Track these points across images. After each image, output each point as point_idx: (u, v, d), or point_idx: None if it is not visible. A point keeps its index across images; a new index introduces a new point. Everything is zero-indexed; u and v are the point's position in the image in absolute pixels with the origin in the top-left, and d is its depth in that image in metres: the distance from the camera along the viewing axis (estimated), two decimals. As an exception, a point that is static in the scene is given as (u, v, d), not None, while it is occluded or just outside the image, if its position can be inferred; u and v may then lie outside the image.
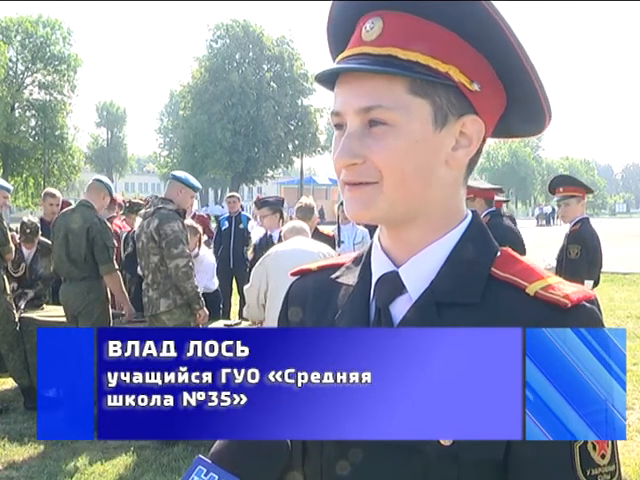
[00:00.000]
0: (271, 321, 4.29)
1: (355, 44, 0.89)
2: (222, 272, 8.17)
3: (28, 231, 6.07)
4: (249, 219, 8.62)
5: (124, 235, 6.47)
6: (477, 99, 0.88)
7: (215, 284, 5.99)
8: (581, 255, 4.90)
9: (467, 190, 0.95)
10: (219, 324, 5.35)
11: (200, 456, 0.90)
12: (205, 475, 0.87)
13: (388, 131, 0.86)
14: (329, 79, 0.91)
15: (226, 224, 8.40)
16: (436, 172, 0.88)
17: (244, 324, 5.33)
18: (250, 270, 5.79)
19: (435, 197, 0.90)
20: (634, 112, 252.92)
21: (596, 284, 5.03)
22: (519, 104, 0.92)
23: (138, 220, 6.25)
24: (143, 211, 4.95)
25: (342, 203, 0.95)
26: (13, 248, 5.72)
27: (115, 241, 5.45)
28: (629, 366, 6.37)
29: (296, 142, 46.89)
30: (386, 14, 0.87)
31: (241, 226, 8.25)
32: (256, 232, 6.46)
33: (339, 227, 6.48)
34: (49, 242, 5.74)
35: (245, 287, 4.57)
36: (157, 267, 4.70)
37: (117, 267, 5.27)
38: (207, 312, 4.87)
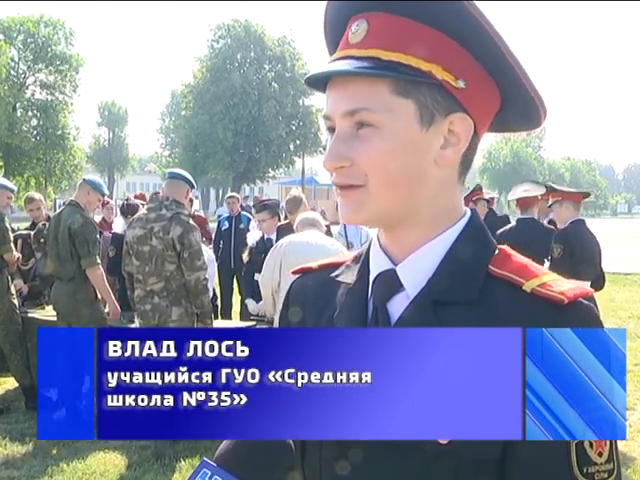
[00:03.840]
0: None
1: (342, 47, 0.90)
2: (223, 272, 8.18)
3: (42, 240, 6.03)
4: (249, 219, 8.62)
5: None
6: (464, 96, 0.87)
7: (213, 285, 6.00)
8: (563, 255, 4.94)
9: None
10: (218, 324, 5.36)
11: (205, 459, 0.89)
12: (209, 478, 0.86)
13: (374, 133, 0.86)
14: (321, 83, 0.91)
15: (226, 224, 8.40)
16: (426, 172, 0.88)
17: (258, 326, 5.31)
18: (246, 274, 5.82)
19: (427, 197, 0.90)
20: (636, 112, 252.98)
21: (598, 286, 4.98)
22: (512, 100, 0.91)
23: (119, 220, 6.17)
24: (145, 210, 4.63)
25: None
26: (14, 248, 5.73)
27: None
28: (630, 366, 6.36)
29: (297, 142, 46.85)
30: (370, 16, 0.88)
31: (241, 226, 8.25)
32: (252, 235, 6.45)
33: (344, 227, 6.45)
34: None
35: (259, 277, 4.43)
36: (172, 276, 4.45)
37: (99, 262, 5.19)
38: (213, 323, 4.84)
